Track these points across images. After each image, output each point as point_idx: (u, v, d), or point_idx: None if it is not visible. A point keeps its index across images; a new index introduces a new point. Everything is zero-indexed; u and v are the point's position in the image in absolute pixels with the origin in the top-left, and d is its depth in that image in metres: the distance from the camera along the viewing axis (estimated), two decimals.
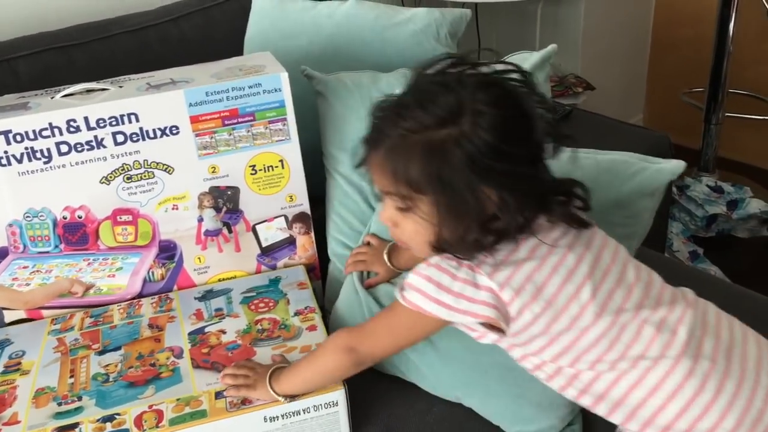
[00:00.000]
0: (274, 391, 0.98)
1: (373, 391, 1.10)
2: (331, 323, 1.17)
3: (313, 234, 1.26)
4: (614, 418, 0.87)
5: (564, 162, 1.13)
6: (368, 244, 1.18)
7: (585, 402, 0.88)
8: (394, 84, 1.25)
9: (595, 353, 0.84)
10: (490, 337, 0.86)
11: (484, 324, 0.84)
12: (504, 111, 0.78)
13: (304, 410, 0.99)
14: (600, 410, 0.87)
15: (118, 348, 1.11)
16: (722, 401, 0.81)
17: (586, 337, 0.84)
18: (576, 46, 2.39)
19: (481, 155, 0.76)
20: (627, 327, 0.84)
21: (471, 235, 0.79)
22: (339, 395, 1.00)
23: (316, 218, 1.26)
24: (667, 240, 2.02)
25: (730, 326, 0.89)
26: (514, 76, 0.83)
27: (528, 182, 0.80)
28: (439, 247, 0.83)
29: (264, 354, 1.06)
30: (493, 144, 0.76)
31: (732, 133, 2.48)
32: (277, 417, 0.99)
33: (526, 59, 1.34)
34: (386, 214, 0.87)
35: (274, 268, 1.27)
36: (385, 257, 1.13)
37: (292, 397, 0.99)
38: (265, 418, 0.99)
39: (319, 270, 1.29)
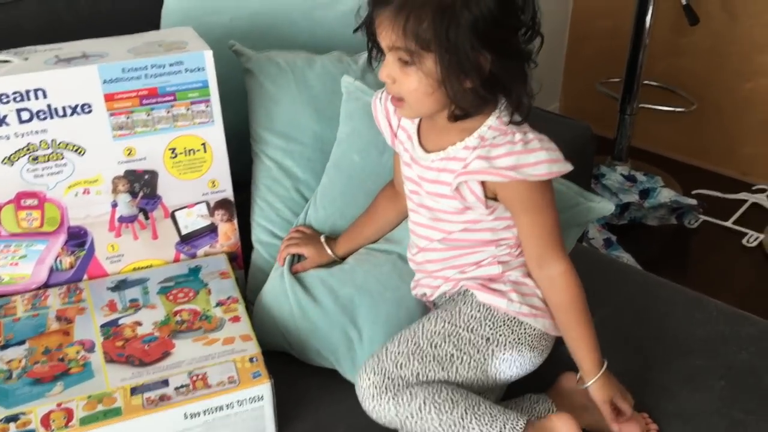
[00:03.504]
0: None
1: (302, 386, 1.07)
2: (255, 313, 1.13)
3: (236, 221, 1.21)
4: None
5: None
6: (298, 231, 1.16)
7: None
8: (330, 67, 1.21)
9: None
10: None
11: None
12: None
13: (227, 405, 0.96)
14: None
15: (22, 342, 1.03)
16: None
17: None
18: None
19: (484, 20, 0.84)
20: None
21: (470, 91, 0.88)
22: (264, 389, 0.96)
23: (239, 203, 1.21)
24: None
25: None
26: None
27: (517, 54, 0.89)
28: (445, 99, 0.90)
29: (184, 347, 1.01)
30: (495, 12, 0.84)
31: (645, 123, 2.55)
32: (199, 413, 0.95)
33: None
34: (387, 71, 0.90)
35: (193, 256, 1.21)
36: (324, 244, 1.13)
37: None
38: (185, 415, 0.94)
39: (242, 259, 1.24)
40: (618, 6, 2.57)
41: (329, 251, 1.14)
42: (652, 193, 2.27)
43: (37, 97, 1.03)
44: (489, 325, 0.98)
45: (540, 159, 0.90)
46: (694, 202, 2.28)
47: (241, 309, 1.08)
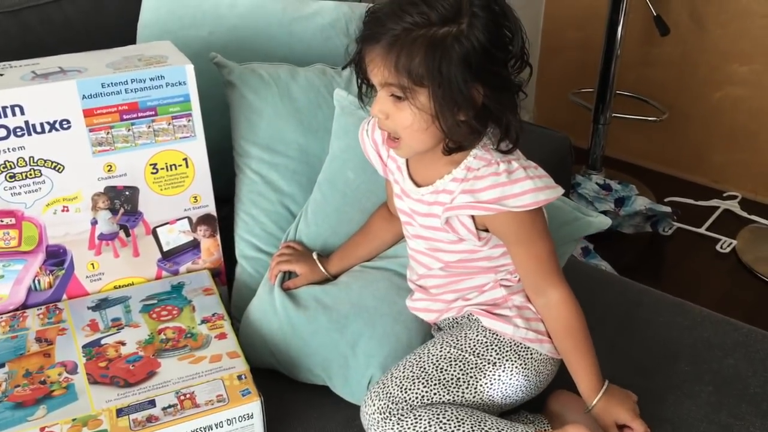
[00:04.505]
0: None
1: (291, 402, 1.05)
2: (242, 330, 1.11)
3: (218, 237, 1.19)
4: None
5: None
6: (289, 247, 1.15)
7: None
8: (313, 79, 1.20)
9: None
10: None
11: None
12: (495, 18, 0.85)
13: (216, 425, 0.94)
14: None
15: (1, 365, 1.00)
16: None
17: None
18: None
19: (475, 53, 0.83)
20: None
21: (464, 124, 0.87)
22: (254, 407, 0.95)
23: (220, 218, 1.19)
24: None
25: None
26: None
27: (507, 85, 0.88)
28: (440, 134, 0.89)
29: (170, 365, 0.99)
30: (485, 44, 0.84)
31: (617, 132, 2.59)
32: None
33: None
34: (379, 106, 0.89)
35: (176, 273, 1.19)
36: (317, 261, 1.12)
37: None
38: None
39: (224, 275, 1.22)
40: (588, 17, 2.61)
41: (322, 269, 1.12)
42: (627, 202, 2.29)
43: (14, 114, 1.01)
44: (495, 350, 0.98)
45: (525, 189, 0.89)
46: (668, 209, 2.31)
47: (227, 326, 1.06)
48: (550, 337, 0.99)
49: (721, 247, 2.31)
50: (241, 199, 1.19)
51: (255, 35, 1.36)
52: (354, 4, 1.43)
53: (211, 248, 1.19)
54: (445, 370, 0.96)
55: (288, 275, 1.12)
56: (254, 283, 1.16)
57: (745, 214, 2.45)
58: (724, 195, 2.56)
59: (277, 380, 1.08)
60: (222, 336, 1.05)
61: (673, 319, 1.23)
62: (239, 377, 0.97)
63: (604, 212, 2.27)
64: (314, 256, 1.13)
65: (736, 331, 1.20)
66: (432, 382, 0.95)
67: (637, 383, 1.10)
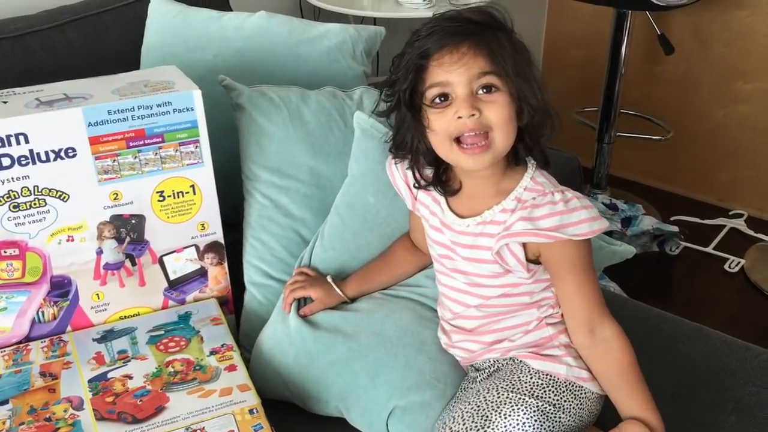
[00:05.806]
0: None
1: None
2: (253, 360, 1.08)
3: (226, 264, 1.16)
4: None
5: None
6: (301, 273, 1.12)
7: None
8: (324, 102, 1.18)
9: None
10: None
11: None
12: None
13: None
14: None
15: (4, 402, 0.97)
16: None
17: None
18: None
19: (528, 51, 0.93)
20: None
21: (538, 125, 0.93)
22: None
23: (227, 244, 1.17)
24: None
25: None
26: None
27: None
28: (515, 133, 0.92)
29: (179, 400, 0.96)
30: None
31: (621, 151, 2.57)
32: None
33: None
34: (470, 103, 0.89)
35: (182, 302, 1.16)
36: (333, 285, 1.09)
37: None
38: None
39: (232, 303, 1.19)
40: (590, 35, 2.60)
41: (339, 292, 1.09)
42: (634, 221, 2.27)
43: (18, 142, 0.99)
44: (552, 392, 0.94)
45: (582, 218, 0.90)
46: (676, 229, 2.29)
47: (236, 357, 1.04)
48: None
49: (729, 267, 2.29)
50: (251, 224, 1.16)
51: (261, 58, 1.34)
52: (360, 27, 1.41)
53: (218, 276, 1.17)
54: (509, 415, 0.92)
55: (302, 303, 1.09)
56: (263, 311, 1.13)
57: (751, 233, 2.43)
58: (730, 213, 2.54)
59: (289, 412, 1.05)
60: (232, 368, 1.02)
61: (693, 346, 1.20)
62: (251, 411, 0.94)
63: (611, 232, 2.25)
64: (329, 279, 1.10)
65: (757, 357, 1.17)
66: (498, 429, 0.91)
67: (659, 413, 1.07)
